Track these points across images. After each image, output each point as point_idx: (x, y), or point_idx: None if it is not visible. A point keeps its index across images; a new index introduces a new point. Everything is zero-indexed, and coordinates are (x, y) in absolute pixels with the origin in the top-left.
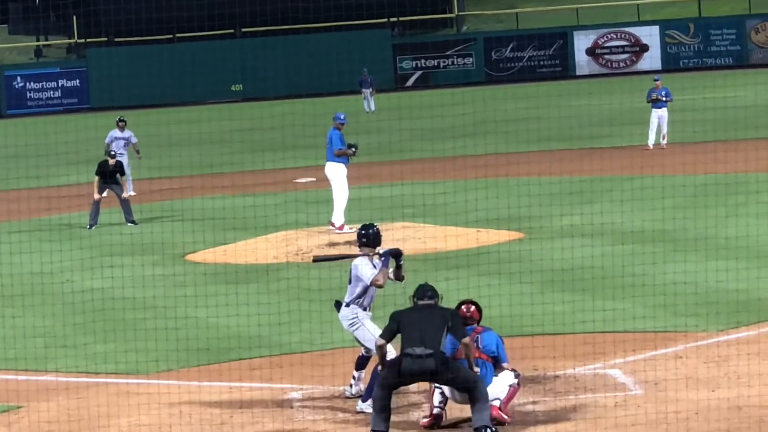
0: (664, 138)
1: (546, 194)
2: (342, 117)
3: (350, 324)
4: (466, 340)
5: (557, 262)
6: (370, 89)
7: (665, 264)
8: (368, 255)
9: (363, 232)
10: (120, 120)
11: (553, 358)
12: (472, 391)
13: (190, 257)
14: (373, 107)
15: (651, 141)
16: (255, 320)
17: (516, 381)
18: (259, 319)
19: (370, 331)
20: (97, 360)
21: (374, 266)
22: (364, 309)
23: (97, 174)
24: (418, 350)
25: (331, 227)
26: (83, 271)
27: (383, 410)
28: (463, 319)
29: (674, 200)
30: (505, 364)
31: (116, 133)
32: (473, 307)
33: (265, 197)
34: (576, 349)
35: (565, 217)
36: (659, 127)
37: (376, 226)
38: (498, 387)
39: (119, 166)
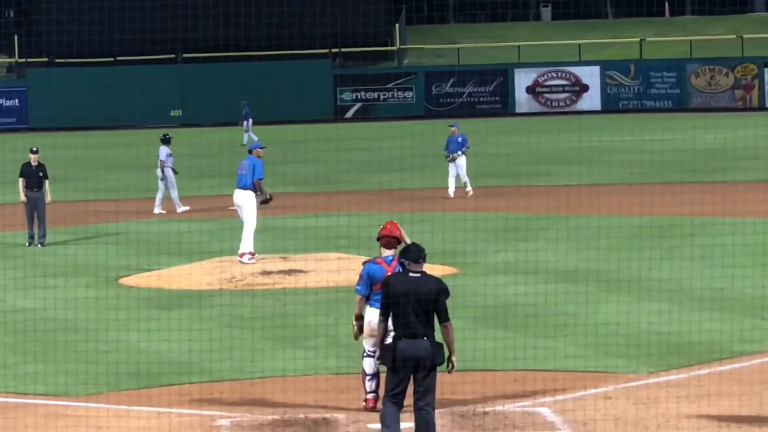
0: (467, 186)
1: (481, 230)
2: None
3: None
4: (448, 324)
5: (490, 298)
6: (251, 120)
7: (598, 304)
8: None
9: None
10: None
11: (483, 395)
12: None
13: (123, 281)
14: (255, 137)
15: (451, 189)
16: (186, 346)
17: None
18: (191, 345)
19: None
20: (26, 381)
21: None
22: None
23: (20, 176)
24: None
25: (240, 258)
26: (15, 291)
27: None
28: (393, 240)
29: (609, 241)
30: None
31: None
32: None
33: (201, 223)
34: (506, 386)
35: (499, 253)
36: (458, 175)
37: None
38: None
39: (43, 169)
